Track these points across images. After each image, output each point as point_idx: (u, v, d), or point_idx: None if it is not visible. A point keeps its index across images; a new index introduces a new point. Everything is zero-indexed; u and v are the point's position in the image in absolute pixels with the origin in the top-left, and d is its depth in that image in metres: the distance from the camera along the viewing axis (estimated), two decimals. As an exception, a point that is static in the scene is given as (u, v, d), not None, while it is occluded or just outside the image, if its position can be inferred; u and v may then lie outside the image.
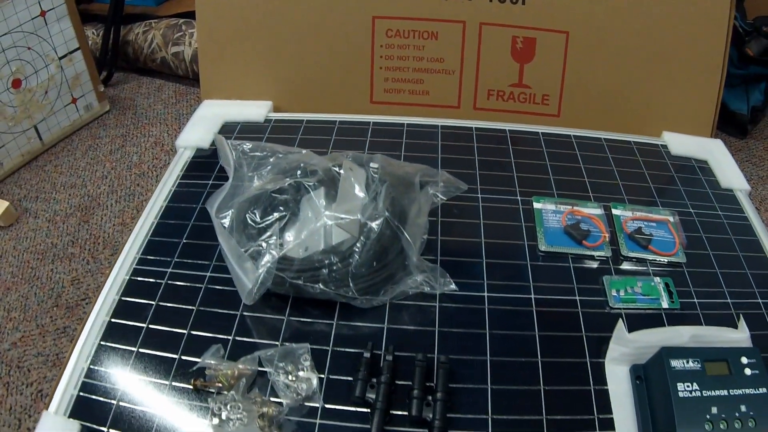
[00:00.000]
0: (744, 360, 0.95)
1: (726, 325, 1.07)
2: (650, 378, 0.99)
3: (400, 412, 0.97)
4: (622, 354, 1.03)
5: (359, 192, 1.16)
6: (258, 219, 1.13)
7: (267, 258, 1.07)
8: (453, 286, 1.14)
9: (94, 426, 0.95)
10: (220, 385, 0.98)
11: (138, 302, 1.13)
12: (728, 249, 1.27)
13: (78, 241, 2.07)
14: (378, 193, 1.16)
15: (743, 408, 0.90)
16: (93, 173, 2.36)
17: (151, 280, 1.16)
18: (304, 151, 1.29)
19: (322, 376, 1.01)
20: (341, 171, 1.19)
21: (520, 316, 1.11)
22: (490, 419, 0.97)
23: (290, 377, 0.99)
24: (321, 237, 1.10)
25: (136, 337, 1.07)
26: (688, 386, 0.92)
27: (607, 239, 1.24)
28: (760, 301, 1.16)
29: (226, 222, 1.15)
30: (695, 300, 1.15)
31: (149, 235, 1.26)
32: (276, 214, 1.13)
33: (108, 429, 0.95)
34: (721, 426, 0.88)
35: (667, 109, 1.61)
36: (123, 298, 1.13)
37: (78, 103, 2.55)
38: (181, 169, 1.42)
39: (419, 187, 1.25)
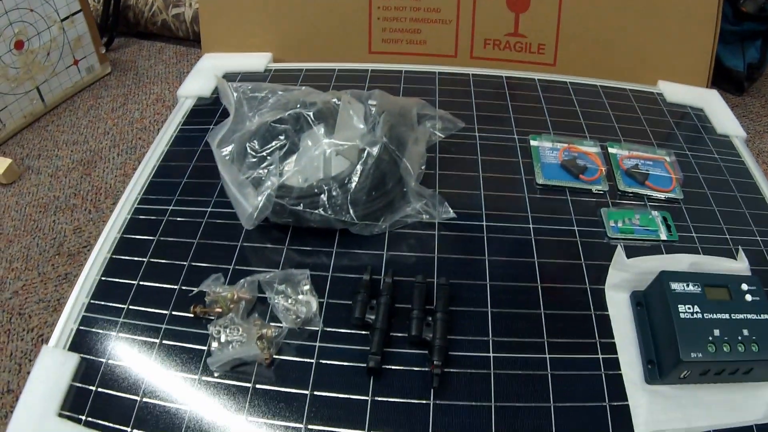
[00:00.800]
0: (744, 287, 0.92)
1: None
2: (650, 302, 0.96)
3: (400, 334, 0.94)
4: (622, 279, 1.00)
5: (358, 123, 1.12)
6: (258, 148, 1.10)
7: (268, 183, 1.04)
8: (452, 214, 1.11)
9: (93, 357, 0.92)
10: (220, 310, 0.95)
11: (139, 238, 1.09)
12: (725, 189, 1.23)
13: (80, 192, 2.03)
14: (376, 123, 1.12)
15: (745, 332, 0.87)
16: (95, 130, 2.32)
17: (153, 217, 1.13)
18: (303, 88, 1.25)
19: (322, 300, 0.98)
20: (340, 103, 1.16)
21: (519, 244, 1.08)
22: (491, 341, 0.94)
23: (290, 301, 0.96)
24: (320, 165, 1.06)
25: (136, 271, 1.04)
26: (689, 308, 0.89)
27: (604, 173, 1.21)
28: (758, 238, 1.13)
29: (227, 154, 1.11)
30: (693, 234, 1.12)
31: (151, 176, 1.23)
32: (276, 143, 1.10)
33: (107, 360, 0.91)
34: (725, 348, 0.85)
35: (662, 59, 1.58)
36: (124, 236, 1.10)
37: (80, 65, 2.50)
38: (182, 116, 1.39)
39: (417, 120, 1.21)
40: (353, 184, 1.04)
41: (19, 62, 2.23)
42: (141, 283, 1.02)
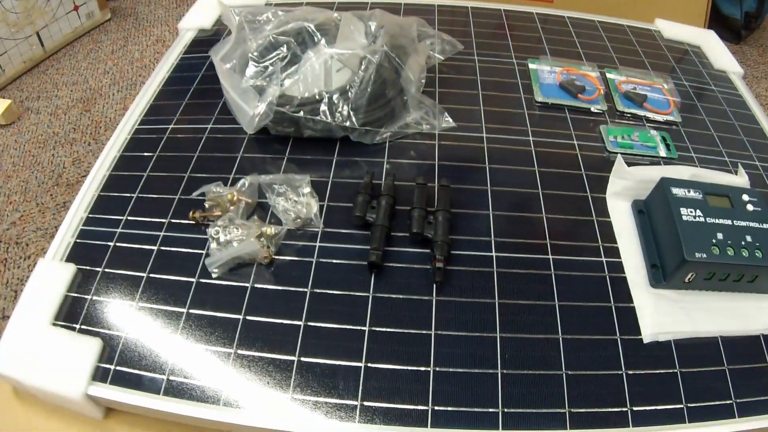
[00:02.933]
0: (746, 197, 0.89)
1: (725, 178, 1.02)
2: (652, 208, 0.93)
3: (401, 234, 0.90)
4: (623, 188, 0.97)
5: (359, 36, 1.09)
6: (260, 58, 1.06)
7: (269, 91, 0.99)
8: (452, 123, 1.08)
9: (89, 268, 0.88)
10: (219, 214, 0.91)
11: (139, 155, 1.05)
12: (723, 117, 1.20)
13: (80, 127, 1.99)
14: (377, 36, 1.08)
15: (749, 238, 0.84)
16: (95, 70, 2.28)
17: (153, 136, 1.09)
18: (304, 7, 1.21)
19: (322, 203, 0.95)
20: (341, 20, 1.12)
21: (519, 155, 1.05)
22: (493, 241, 0.90)
23: (290, 202, 0.92)
24: (321, 75, 1.02)
25: (135, 185, 0.99)
26: (691, 212, 0.86)
27: (602, 93, 1.18)
28: (757, 163, 1.10)
29: (230, 67, 1.07)
30: (693, 154, 1.09)
31: (152, 100, 1.18)
32: (278, 53, 1.06)
33: (103, 269, 0.87)
34: (728, 252, 0.82)
35: (660, -1, 1.54)
36: (124, 154, 1.06)
37: (80, 11, 2.45)
38: (184, 46, 1.34)
39: (416, 35, 1.18)
40: (354, 90, 1.00)
41: (19, 7, 2.17)
42: (140, 195, 0.98)
